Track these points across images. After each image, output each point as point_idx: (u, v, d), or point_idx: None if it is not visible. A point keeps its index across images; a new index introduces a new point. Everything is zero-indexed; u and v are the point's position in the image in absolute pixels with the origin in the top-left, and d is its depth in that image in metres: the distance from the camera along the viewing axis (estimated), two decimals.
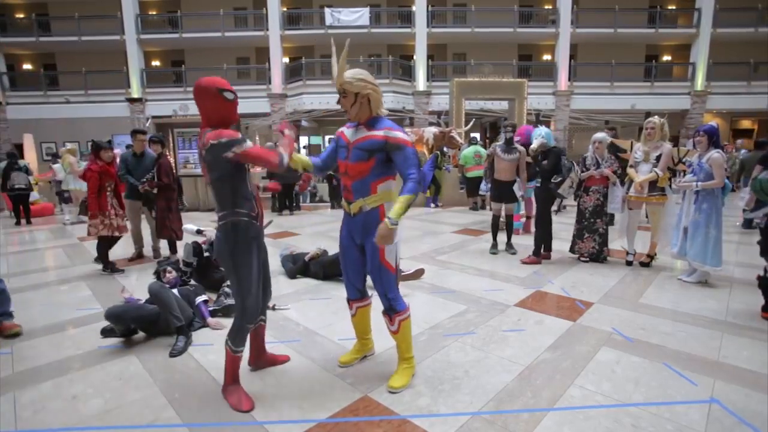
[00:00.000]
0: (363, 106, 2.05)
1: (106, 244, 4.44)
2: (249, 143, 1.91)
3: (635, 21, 16.55)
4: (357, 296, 2.35)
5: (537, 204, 4.61)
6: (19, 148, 12.50)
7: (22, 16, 17.30)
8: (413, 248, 5.31)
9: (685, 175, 3.99)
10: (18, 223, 8.07)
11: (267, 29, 15.98)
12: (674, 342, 2.66)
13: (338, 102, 2.09)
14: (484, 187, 7.47)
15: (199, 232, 3.79)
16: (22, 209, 8.15)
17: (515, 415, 1.95)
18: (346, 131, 2.18)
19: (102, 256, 4.47)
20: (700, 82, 16.15)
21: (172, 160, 11.68)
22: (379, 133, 2.03)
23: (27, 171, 8.28)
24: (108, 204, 4.40)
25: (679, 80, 16.83)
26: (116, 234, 4.46)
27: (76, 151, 8.42)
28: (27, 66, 18.24)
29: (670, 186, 4.15)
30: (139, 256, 5.05)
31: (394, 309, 2.20)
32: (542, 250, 4.56)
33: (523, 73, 16.29)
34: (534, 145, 4.43)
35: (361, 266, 2.26)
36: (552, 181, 4.33)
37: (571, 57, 16.46)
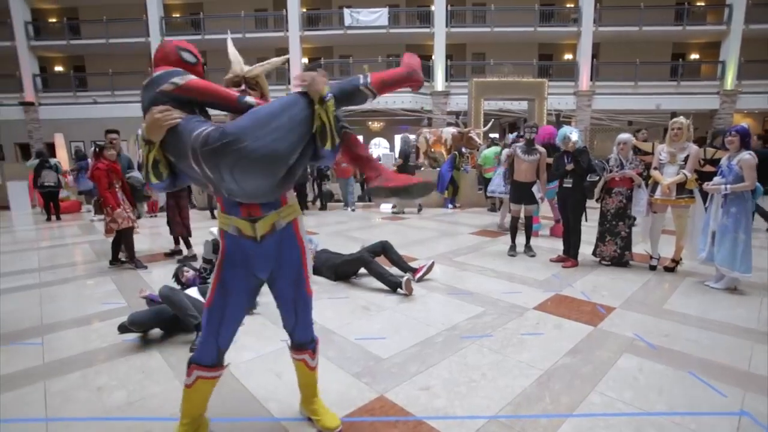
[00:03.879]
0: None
1: (124, 238, 4.59)
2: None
3: (661, 18, 16.08)
4: (219, 360, 1.70)
5: (568, 205, 4.47)
6: (51, 146, 13.00)
7: (54, 20, 17.97)
8: (430, 249, 5.28)
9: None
10: (48, 219, 8.39)
11: (287, 30, 16.17)
12: (701, 350, 2.57)
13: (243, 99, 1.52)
14: (497, 188, 6.91)
15: None
16: (52, 206, 8.48)
17: (533, 420, 1.92)
18: None
19: (129, 250, 4.61)
20: (730, 80, 15.57)
21: None
22: None
23: (57, 169, 8.61)
24: (119, 199, 4.58)
25: (708, 79, 16.28)
26: (133, 225, 4.63)
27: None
28: (58, 68, 18.94)
29: (699, 188, 4.01)
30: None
31: (314, 339, 1.86)
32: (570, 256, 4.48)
33: (544, 73, 16.03)
34: (574, 137, 4.34)
35: (243, 314, 1.70)
36: (588, 179, 4.27)
37: (594, 56, 16.11)
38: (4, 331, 2.99)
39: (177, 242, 5.12)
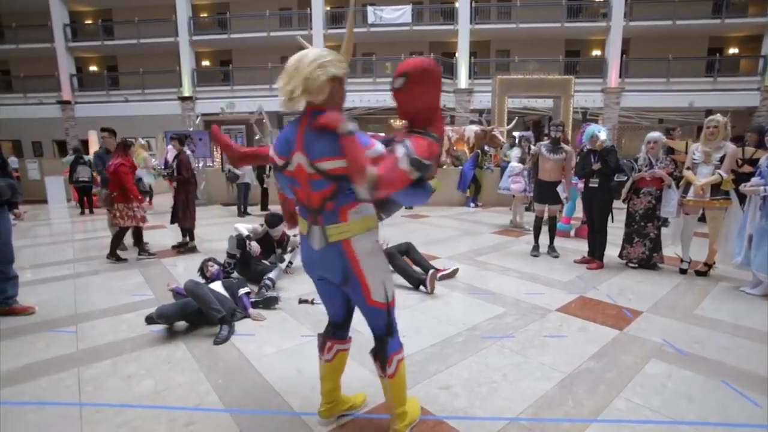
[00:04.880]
0: None
1: (119, 234, 4.78)
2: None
3: (697, 11, 15.38)
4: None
5: (594, 206, 4.36)
6: (85, 143, 13.57)
7: (90, 22, 18.71)
8: (452, 248, 5.24)
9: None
10: (82, 213, 8.77)
11: (311, 28, 16.31)
12: (734, 358, 2.46)
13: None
14: (503, 184, 6.68)
15: (248, 237, 3.92)
16: (85, 200, 8.85)
17: (555, 424, 1.88)
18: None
19: (115, 245, 4.78)
20: None
21: (218, 156, 12.23)
22: None
23: (91, 165, 8.96)
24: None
25: (747, 75, 15.48)
26: (141, 224, 4.83)
27: (146, 146, 8.98)
28: (93, 68, 19.71)
29: (735, 189, 3.82)
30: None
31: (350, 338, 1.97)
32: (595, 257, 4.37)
33: (570, 70, 15.61)
34: (603, 135, 4.23)
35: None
36: (615, 179, 4.16)
37: (623, 52, 15.57)
38: (42, 319, 3.14)
39: (185, 236, 5.34)
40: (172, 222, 5.31)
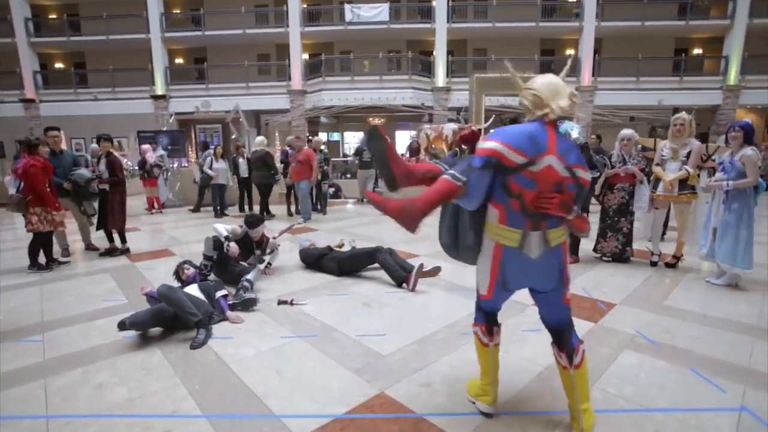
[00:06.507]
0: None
1: (42, 240, 4.51)
2: None
3: (664, 13, 15.94)
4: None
5: None
6: None
7: (54, 16, 17.90)
8: (431, 245, 5.26)
9: (715, 173, 3.84)
10: None
11: (287, 26, 16.08)
12: (702, 346, 2.56)
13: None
14: None
15: (227, 238, 3.84)
16: None
17: (533, 417, 1.92)
18: None
19: (34, 253, 4.50)
20: (733, 76, 15.45)
21: (192, 154, 11.95)
22: None
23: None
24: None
25: (711, 74, 16.15)
26: (58, 229, 4.58)
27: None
28: (59, 65, 18.87)
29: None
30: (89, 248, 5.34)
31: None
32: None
33: (545, 69, 15.93)
34: (575, 133, 4.32)
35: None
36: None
37: (596, 51, 16.00)
38: (6, 328, 3.00)
39: (112, 240, 5.16)
40: (99, 228, 5.05)
